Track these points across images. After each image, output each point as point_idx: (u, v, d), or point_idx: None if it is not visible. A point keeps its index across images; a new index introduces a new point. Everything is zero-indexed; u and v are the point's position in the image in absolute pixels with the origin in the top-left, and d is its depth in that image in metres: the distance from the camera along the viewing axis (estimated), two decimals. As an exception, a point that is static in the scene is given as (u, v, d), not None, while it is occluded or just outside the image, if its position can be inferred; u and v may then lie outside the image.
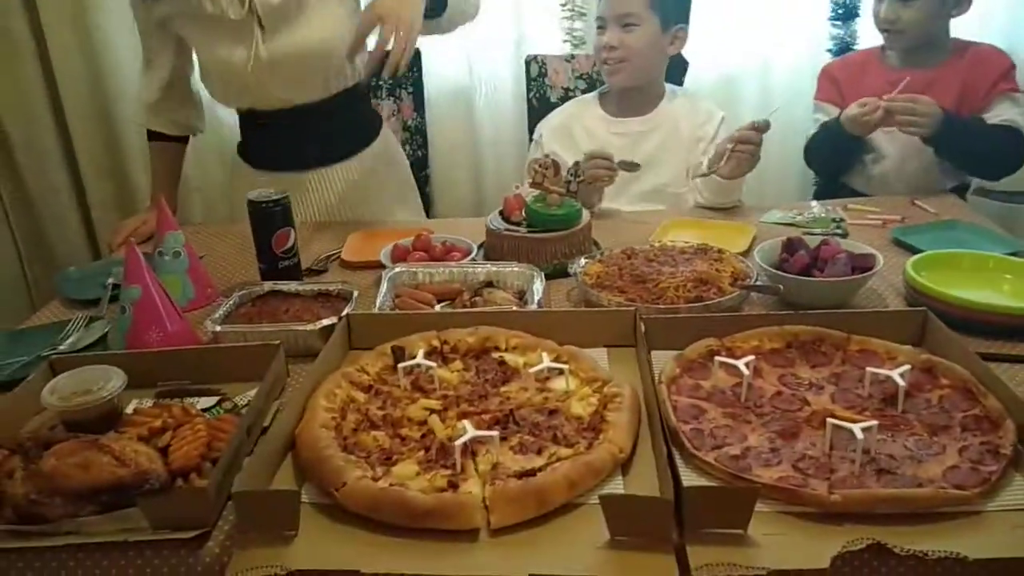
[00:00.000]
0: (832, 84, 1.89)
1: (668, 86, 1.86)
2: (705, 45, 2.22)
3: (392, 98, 2.38)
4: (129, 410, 1.00)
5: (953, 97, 1.70)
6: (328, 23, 1.58)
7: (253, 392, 1.00)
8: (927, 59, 1.76)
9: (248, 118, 1.74)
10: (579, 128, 1.88)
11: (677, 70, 2.05)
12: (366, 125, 1.81)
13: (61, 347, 1.20)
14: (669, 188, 1.80)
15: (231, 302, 1.25)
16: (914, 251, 1.34)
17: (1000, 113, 1.69)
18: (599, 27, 1.78)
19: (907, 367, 0.94)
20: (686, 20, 1.77)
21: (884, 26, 1.76)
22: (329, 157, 1.75)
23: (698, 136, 1.80)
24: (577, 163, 1.45)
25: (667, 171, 1.80)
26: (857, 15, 2.22)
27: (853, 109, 1.64)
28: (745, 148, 1.55)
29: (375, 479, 0.82)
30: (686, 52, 2.12)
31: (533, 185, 1.44)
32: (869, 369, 0.95)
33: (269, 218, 1.35)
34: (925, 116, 1.57)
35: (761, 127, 1.55)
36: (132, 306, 1.15)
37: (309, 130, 1.69)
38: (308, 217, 1.76)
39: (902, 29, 1.73)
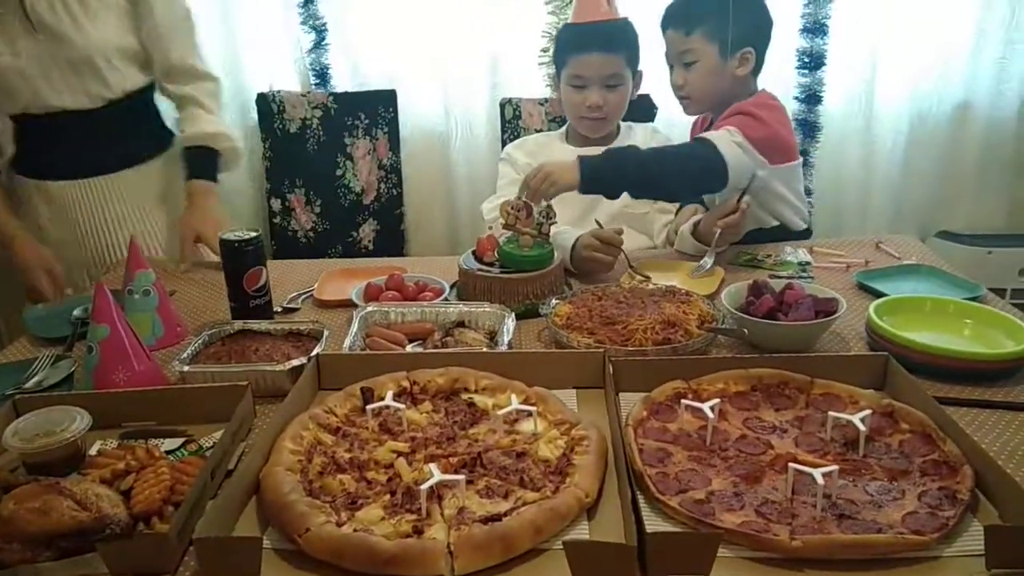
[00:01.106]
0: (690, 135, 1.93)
1: (623, 123, 1.94)
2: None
3: (368, 137, 2.40)
4: (93, 451, 0.99)
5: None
6: (99, 32, 1.63)
7: (219, 433, 0.99)
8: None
9: (24, 125, 1.72)
10: (547, 154, 1.92)
11: (645, 114, 2.11)
12: (143, 140, 1.82)
13: (26, 385, 1.18)
14: (629, 209, 1.84)
15: (200, 341, 1.25)
16: (877, 295, 1.37)
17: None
18: (576, 86, 1.81)
19: (868, 412, 0.96)
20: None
21: (676, 92, 1.78)
22: (104, 167, 1.75)
23: None
24: (549, 206, 1.47)
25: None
26: (824, 64, 2.29)
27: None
28: (733, 229, 1.58)
29: (339, 524, 0.82)
30: (655, 96, 2.18)
31: (506, 227, 1.46)
32: (831, 413, 0.97)
33: (241, 257, 1.35)
34: (547, 183, 1.50)
35: (745, 208, 1.57)
36: (99, 345, 1.14)
37: (82, 138, 1.69)
38: (73, 228, 1.76)
39: (688, 95, 1.75)
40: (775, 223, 1.73)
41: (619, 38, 1.78)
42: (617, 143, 1.90)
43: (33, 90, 1.60)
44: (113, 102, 1.71)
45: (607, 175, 1.51)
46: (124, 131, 1.76)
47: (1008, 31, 2.29)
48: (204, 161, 1.77)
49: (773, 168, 1.62)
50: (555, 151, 1.94)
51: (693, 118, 1.89)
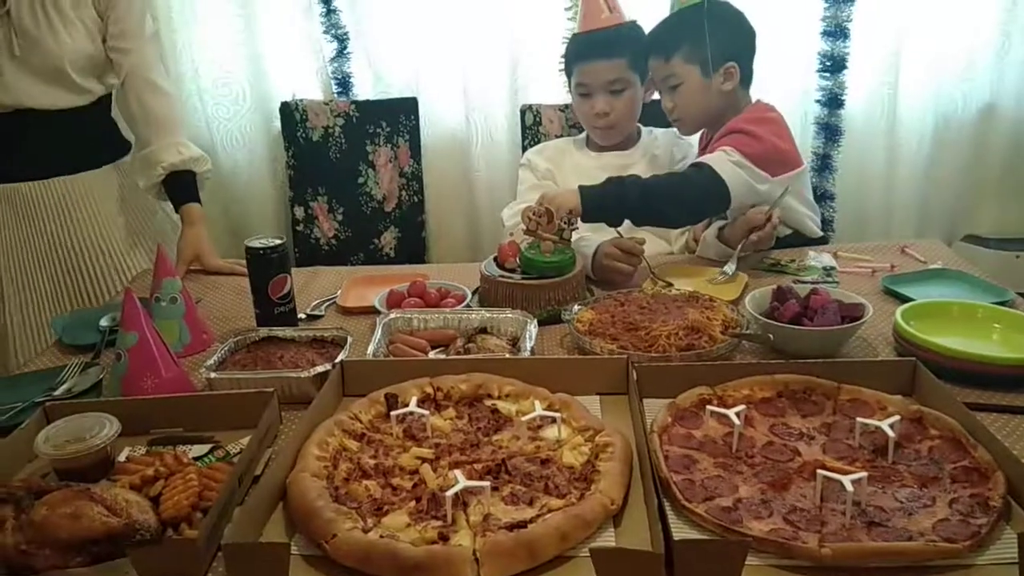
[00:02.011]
0: (699, 148, 1.92)
1: (645, 129, 1.95)
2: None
3: (389, 145, 2.42)
4: (122, 457, 1.00)
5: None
6: (73, 41, 1.67)
7: (246, 440, 1.00)
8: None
9: None
10: (567, 159, 1.96)
11: (665, 121, 2.10)
12: (102, 144, 1.84)
13: (56, 393, 1.20)
14: None
15: (226, 348, 1.26)
16: (904, 300, 1.35)
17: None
18: (582, 94, 1.84)
19: (897, 418, 0.95)
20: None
21: (668, 117, 1.79)
22: (63, 169, 1.77)
23: (679, 159, 1.89)
24: (571, 211, 1.47)
25: None
26: (845, 67, 2.27)
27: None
28: (765, 241, 1.58)
29: (365, 530, 0.82)
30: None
31: (527, 233, 1.46)
32: (859, 419, 0.96)
33: (266, 264, 1.36)
34: (546, 204, 1.48)
35: (776, 221, 1.58)
36: (128, 352, 1.15)
37: (43, 139, 1.72)
38: (30, 230, 1.76)
39: (679, 117, 1.76)
40: (788, 232, 1.73)
41: (620, 42, 1.79)
42: (638, 149, 1.91)
43: (6, 89, 1.63)
44: (79, 107, 1.75)
45: (608, 204, 1.51)
46: (84, 134, 1.79)
47: (1034, 32, 2.26)
48: (189, 185, 1.80)
49: (777, 179, 1.61)
50: (574, 157, 1.96)
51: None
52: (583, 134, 1.99)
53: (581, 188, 1.50)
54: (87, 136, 1.80)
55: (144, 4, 1.81)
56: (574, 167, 1.92)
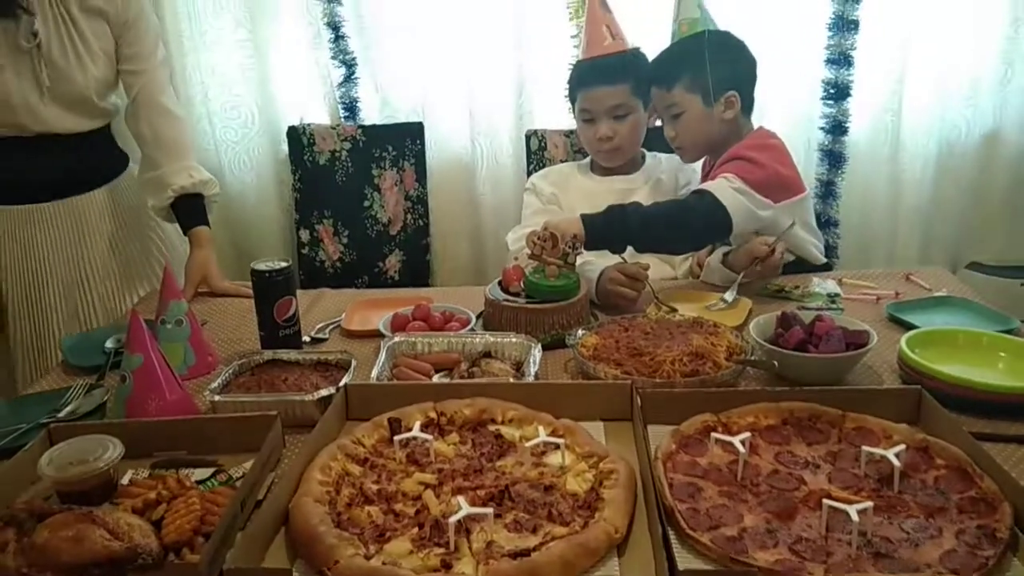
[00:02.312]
0: (703, 174, 1.93)
1: (649, 154, 1.97)
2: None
3: (395, 168, 2.43)
4: (125, 480, 1.00)
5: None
6: (97, 70, 1.69)
7: (249, 463, 1.00)
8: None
9: None
10: (571, 184, 1.97)
11: (669, 147, 2.11)
12: (103, 164, 1.85)
13: (60, 414, 1.20)
14: None
15: (230, 371, 1.26)
16: (908, 327, 1.35)
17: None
18: (586, 119, 1.87)
19: (902, 447, 0.94)
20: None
21: (671, 144, 1.81)
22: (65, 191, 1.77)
23: (683, 184, 1.90)
24: (575, 235, 1.47)
25: None
26: (849, 94, 2.28)
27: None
28: (771, 271, 1.60)
29: (368, 557, 0.81)
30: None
31: (532, 257, 1.47)
32: (865, 448, 0.96)
33: (272, 287, 1.36)
34: (548, 232, 1.48)
35: (782, 252, 1.59)
36: (132, 374, 1.16)
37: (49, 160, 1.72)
38: (37, 253, 1.76)
39: (680, 145, 1.79)
40: (791, 258, 1.73)
41: (622, 69, 1.81)
42: (642, 173, 1.93)
43: (35, 118, 1.65)
44: (95, 128, 1.78)
45: (610, 232, 1.52)
46: (96, 152, 1.82)
47: (1036, 61, 2.27)
48: (198, 208, 1.81)
49: (779, 206, 1.62)
50: (579, 181, 1.97)
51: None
52: (588, 159, 2.00)
53: (583, 216, 1.51)
54: (98, 154, 1.82)
55: (157, 29, 1.84)
56: (579, 191, 1.94)
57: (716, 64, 1.68)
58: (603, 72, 1.82)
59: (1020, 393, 1.11)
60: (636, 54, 1.85)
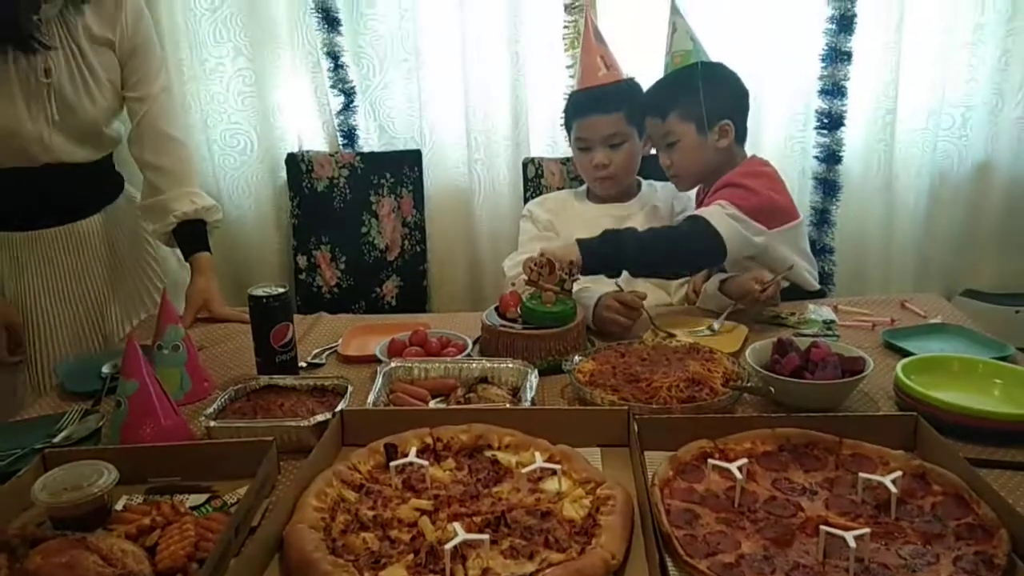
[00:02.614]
0: (696, 201, 1.94)
1: (645, 182, 2.00)
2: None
3: (393, 195, 2.45)
4: (119, 506, 0.99)
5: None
6: (105, 100, 1.71)
7: (244, 489, 1.00)
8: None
9: None
10: (568, 210, 1.99)
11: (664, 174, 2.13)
12: (103, 189, 1.85)
13: (55, 440, 1.19)
14: None
15: (226, 396, 1.26)
16: (904, 354, 1.35)
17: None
18: (581, 148, 1.90)
19: (899, 473, 0.94)
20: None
21: (667, 173, 1.83)
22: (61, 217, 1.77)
23: (678, 211, 1.92)
24: (572, 262, 1.48)
25: None
26: (842, 124, 2.31)
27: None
28: (769, 296, 1.60)
29: (363, 584, 0.81)
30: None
31: (528, 283, 1.47)
32: (862, 475, 0.95)
33: (269, 313, 1.37)
34: (545, 259, 1.48)
35: (779, 283, 1.61)
36: (128, 400, 1.15)
37: (56, 188, 1.72)
38: (38, 278, 1.76)
39: (676, 173, 1.80)
40: (786, 284, 1.74)
41: (618, 98, 1.84)
42: (638, 201, 1.95)
43: (47, 150, 1.66)
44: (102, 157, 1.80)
45: (605, 256, 1.54)
46: (100, 177, 1.83)
47: (1026, 92, 2.30)
48: (200, 234, 1.82)
49: (773, 232, 1.64)
50: (575, 208, 1.99)
51: None
52: (584, 186, 2.02)
53: (579, 241, 1.52)
54: (100, 180, 1.84)
55: (162, 56, 1.85)
56: (575, 218, 1.95)
57: (709, 94, 1.71)
58: (598, 101, 1.85)
59: (1016, 420, 1.11)
60: (630, 83, 1.88)
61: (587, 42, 1.89)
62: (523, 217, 2.05)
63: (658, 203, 1.94)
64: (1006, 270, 2.48)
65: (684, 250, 1.60)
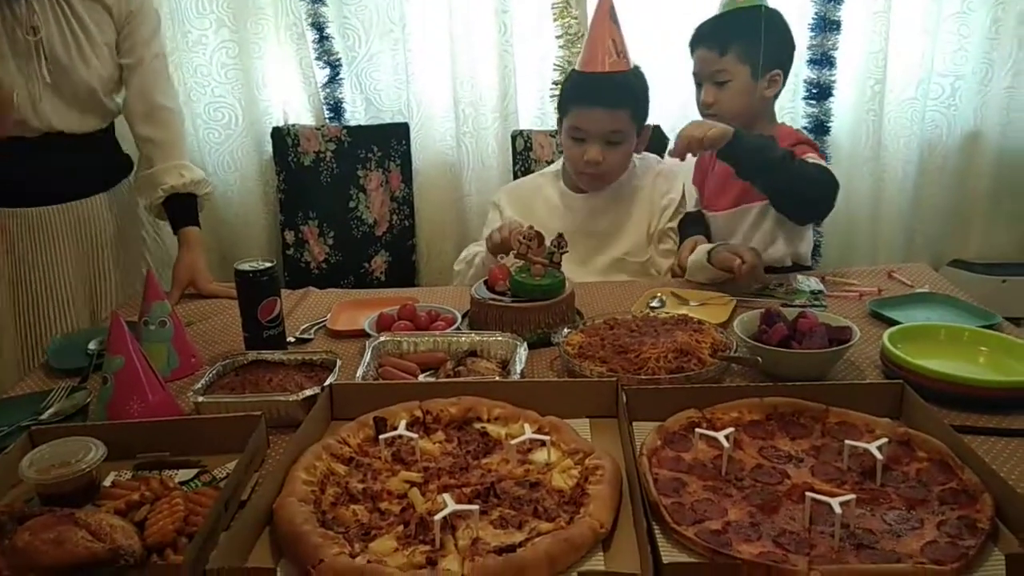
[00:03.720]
0: (696, 169, 1.96)
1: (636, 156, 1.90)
2: (685, 121, 2.30)
3: (380, 169, 2.43)
4: (107, 482, 0.99)
5: None
6: (101, 63, 1.68)
7: (233, 464, 0.99)
8: None
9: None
10: (540, 200, 1.91)
11: (657, 145, 2.12)
12: (108, 167, 1.84)
13: (42, 417, 1.19)
14: (630, 257, 1.84)
15: (214, 371, 1.25)
16: (891, 323, 1.36)
17: None
18: (576, 138, 1.78)
19: (885, 440, 0.95)
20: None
21: (704, 110, 1.78)
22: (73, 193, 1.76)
23: (663, 205, 1.87)
24: (560, 235, 1.48)
25: (627, 241, 1.85)
26: (831, 94, 2.30)
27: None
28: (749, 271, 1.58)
29: (353, 555, 0.81)
30: (666, 128, 2.20)
31: (517, 256, 1.47)
32: (848, 442, 0.96)
33: (256, 287, 1.35)
34: (704, 128, 1.53)
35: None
36: (114, 376, 1.15)
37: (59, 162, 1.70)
38: (42, 257, 1.74)
39: (717, 112, 1.75)
40: (790, 262, 1.74)
41: (624, 93, 1.74)
42: (618, 187, 1.86)
43: (39, 115, 1.62)
44: (102, 128, 1.77)
45: (757, 152, 1.54)
46: (102, 154, 1.81)
47: (1016, 62, 2.30)
48: (189, 208, 1.80)
49: None
50: (548, 196, 1.90)
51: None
52: (558, 164, 1.95)
53: (737, 130, 1.53)
54: (101, 156, 1.81)
55: (158, 23, 1.81)
56: (546, 208, 1.88)
57: (768, 40, 1.68)
58: (604, 93, 1.72)
59: (1000, 387, 1.12)
60: (637, 74, 1.78)
61: (600, 22, 1.72)
62: (492, 205, 1.97)
63: (639, 193, 1.87)
64: (993, 240, 2.49)
65: (815, 188, 1.59)
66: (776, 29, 1.72)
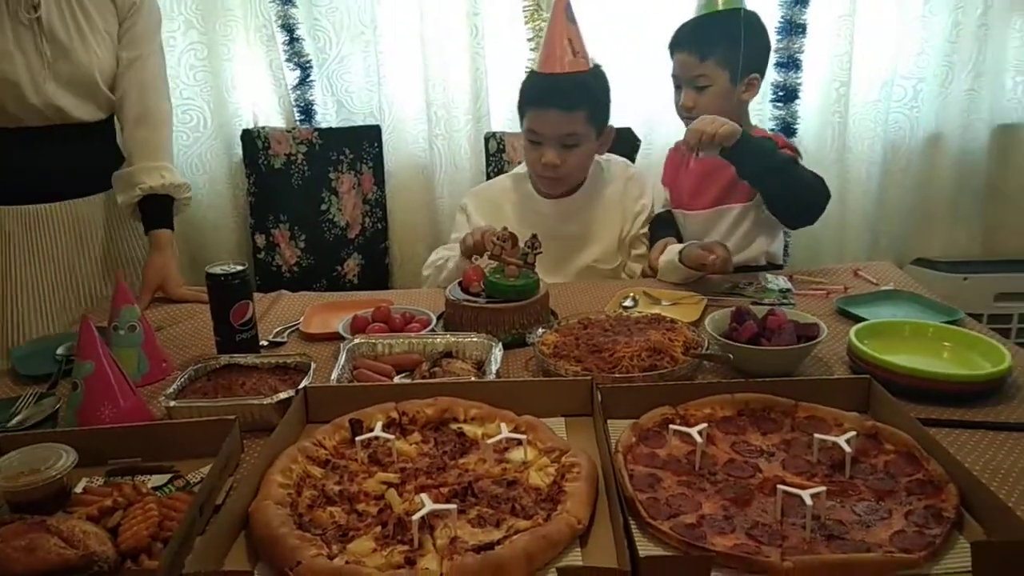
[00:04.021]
0: (666, 169, 1.98)
1: (598, 157, 1.88)
2: (656, 123, 2.33)
3: (352, 172, 2.42)
4: (79, 489, 0.98)
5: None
6: (101, 51, 1.67)
7: (206, 469, 0.99)
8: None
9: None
10: (508, 204, 1.88)
11: (630, 148, 2.14)
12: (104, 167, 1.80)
13: (9, 424, 1.16)
14: (601, 264, 1.83)
15: (186, 376, 1.24)
16: (857, 320, 1.39)
17: None
18: (532, 141, 1.76)
19: (853, 433, 0.97)
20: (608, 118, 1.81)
21: (683, 113, 1.78)
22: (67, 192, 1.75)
23: (635, 212, 1.86)
24: (534, 236, 1.48)
25: (597, 248, 1.84)
26: (797, 97, 2.34)
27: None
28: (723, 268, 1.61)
29: (331, 557, 0.81)
30: (638, 130, 2.23)
31: (492, 257, 1.48)
32: (817, 436, 0.98)
33: (228, 291, 1.35)
34: (716, 124, 1.53)
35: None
36: (84, 381, 1.13)
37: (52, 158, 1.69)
38: (35, 255, 1.73)
39: (696, 116, 1.71)
40: (764, 261, 1.77)
41: (581, 94, 1.70)
42: (587, 192, 1.85)
43: (38, 90, 1.60)
44: (100, 122, 1.74)
45: (761, 153, 1.56)
46: (101, 153, 1.79)
47: (975, 64, 2.36)
48: (164, 210, 1.78)
49: None
50: (516, 198, 1.88)
51: (663, 152, 1.93)
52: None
53: (743, 130, 1.54)
54: (99, 155, 1.79)
55: (159, 21, 1.80)
56: (514, 208, 1.86)
57: (748, 45, 1.69)
58: (560, 95, 1.69)
59: (964, 381, 1.15)
60: (596, 74, 1.75)
61: (556, 22, 1.69)
62: (459, 209, 1.94)
63: (610, 198, 1.85)
64: (955, 239, 2.56)
65: (811, 194, 1.61)
66: (755, 33, 1.74)
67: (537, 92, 1.74)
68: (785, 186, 1.60)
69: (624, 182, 1.88)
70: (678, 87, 1.80)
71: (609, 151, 1.92)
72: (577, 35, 1.70)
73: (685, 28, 1.77)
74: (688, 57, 1.74)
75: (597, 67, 1.76)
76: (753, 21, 1.75)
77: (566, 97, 1.69)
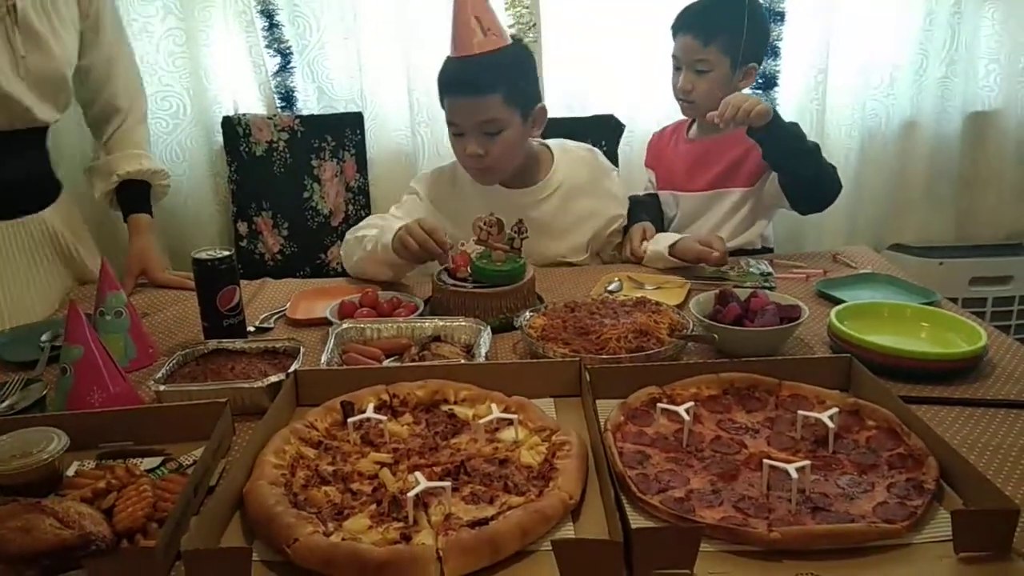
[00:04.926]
0: (651, 151, 2.00)
1: (554, 144, 1.80)
2: (639, 109, 2.34)
3: (335, 159, 2.41)
4: (70, 472, 0.98)
5: (743, 156, 1.79)
6: (70, 44, 1.61)
7: (198, 452, 0.99)
8: (719, 128, 1.63)
9: None
10: (461, 191, 1.78)
11: (613, 134, 2.15)
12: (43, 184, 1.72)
13: (-4, 410, 1.16)
14: (568, 258, 1.78)
15: (174, 361, 1.24)
16: (837, 302, 1.42)
17: None
18: (456, 133, 1.65)
19: (835, 410, 1.00)
20: (541, 98, 1.71)
21: (680, 96, 1.81)
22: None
23: (609, 216, 1.80)
24: (520, 220, 1.49)
25: (563, 244, 1.79)
26: (776, 84, 2.37)
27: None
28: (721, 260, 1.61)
29: (327, 534, 0.82)
30: (622, 116, 2.24)
31: (478, 242, 1.48)
32: (800, 412, 1.01)
33: (215, 276, 1.34)
34: (752, 102, 1.54)
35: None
36: (73, 366, 1.12)
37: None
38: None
39: (694, 100, 1.78)
40: (759, 245, 1.79)
41: (494, 74, 1.56)
42: (548, 182, 1.78)
43: (7, 84, 1.53)
44: (45, 128, 1.66)
45: (792, 133, 1.61)
46: (35, 165, 1.68)
47: (949, 52, 2.40)
48: (141, 195, 1.75)
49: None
50: (471, 186, 1.76)
51: (647, 138, 1.95)
52: None
53: (775, 112, 1.57)
54: (46, 166, 1.71)
55: (118, 11, 1.76)
56: (468, 197, 1.76)
57: (750, 33, 1.71)
58: (471, 80, 1.57)
59: (942, 359, 1.19)
60: (510, 51, 1.60)
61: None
62: (409, 192, 1.83)
63: (573, 189, 1.77)
64: (930, 225, 2.61)
65: (829, 182, 1.66)
66: (758, 21, 1.76)
67: (447, 79, 1.62)
68: (811, 171, 1.63)
69: (589, 171, 1.80)
70: (677, 68, 1.81)
71: (594, 139, 1.92)
72: (487, 11, 1.57)
73: (690, 11, 1.78)
74: (692, 41, 1.75)
75: (517, 42, 1.66)
76: (757, 9, 1.77)
77: (475, 82, 1.56)
